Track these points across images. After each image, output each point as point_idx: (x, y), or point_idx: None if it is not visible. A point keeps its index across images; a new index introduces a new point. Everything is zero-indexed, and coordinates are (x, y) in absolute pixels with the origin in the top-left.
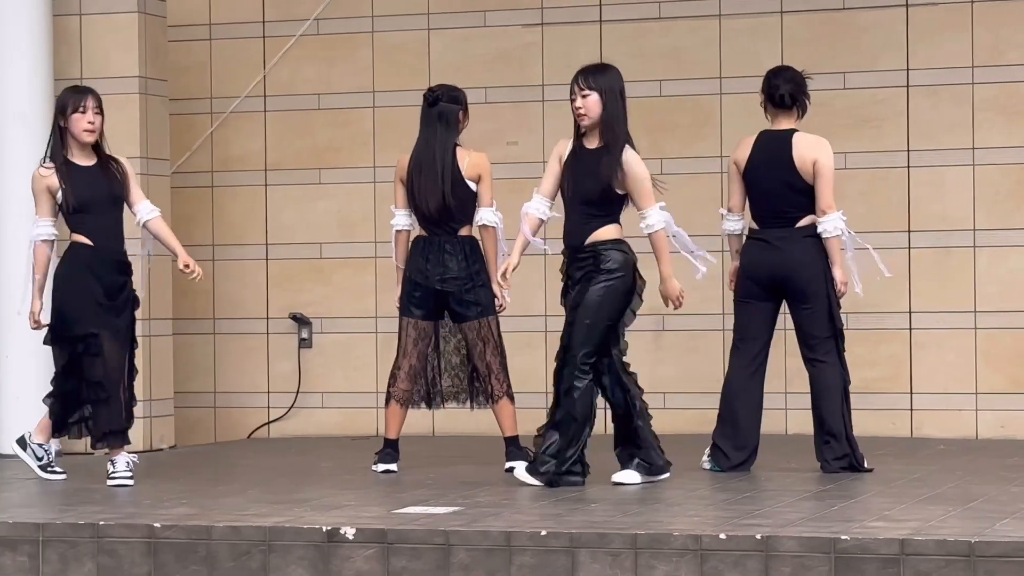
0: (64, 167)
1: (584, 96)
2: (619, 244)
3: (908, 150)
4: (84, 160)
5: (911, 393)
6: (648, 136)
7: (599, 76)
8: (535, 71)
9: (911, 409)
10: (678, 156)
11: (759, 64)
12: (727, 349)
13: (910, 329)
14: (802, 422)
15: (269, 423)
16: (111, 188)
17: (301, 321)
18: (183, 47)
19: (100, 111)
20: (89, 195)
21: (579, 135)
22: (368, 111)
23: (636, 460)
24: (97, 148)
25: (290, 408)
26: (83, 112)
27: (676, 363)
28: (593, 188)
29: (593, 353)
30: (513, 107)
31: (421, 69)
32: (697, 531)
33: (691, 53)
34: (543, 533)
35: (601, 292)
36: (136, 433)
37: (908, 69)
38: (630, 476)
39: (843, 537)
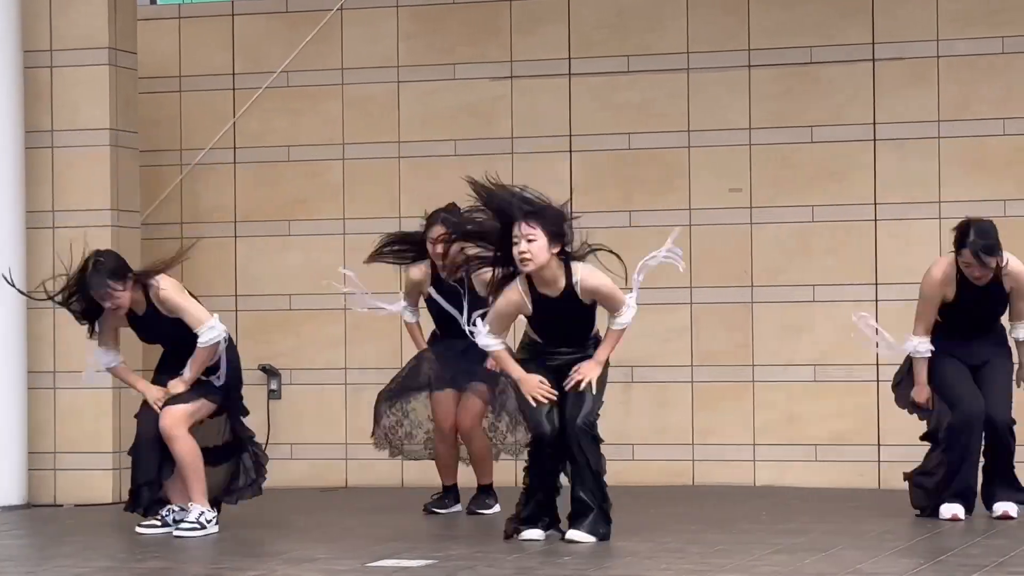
0: None
1: (530, 240)
2: None
3: (875, 203)
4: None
5: (879, 445)
6: (617, 189)
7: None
8: (504, 124)
9: (879, 461)
10: (647, 209)
11: (727, 118)
12: (696, 402)
13: (878, 381)
14: (772, 475)
15: None
16: None
17: (270, 372)
18: (153, 99)
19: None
20: None
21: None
22: (337, 163)
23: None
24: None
25: None
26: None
27: (645, 415)
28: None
29: None
30: (482, 160)
31: (390, 121)
32: None
33: (659, 106)
34: None
35: None
36: (105, 486)
37: (875, 123)
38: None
39: None
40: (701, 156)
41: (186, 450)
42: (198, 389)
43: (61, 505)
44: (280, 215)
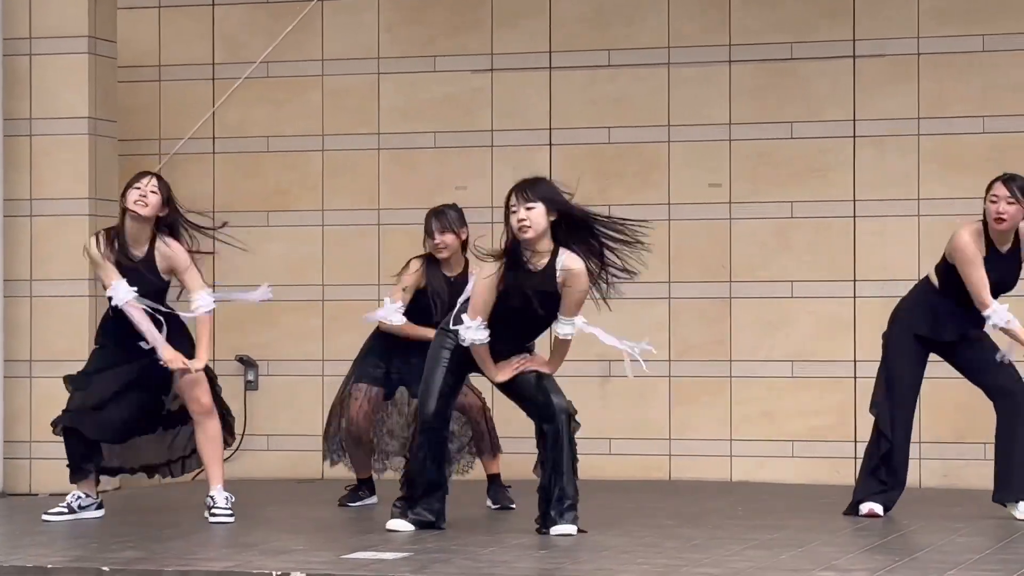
0: None
1: (528, 208)
2: None
3: (854, 200)
4: None
5: (855, 441)
6: (596, 183)
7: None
8: (484, 116)
9: (855, 457)
10: (625, 203)
11: (707, 113)
12: (673, 397)
13: (855, 378)
14: (748, 470)
15: None
16: None
17: (247, 363)
18: (132, 88)
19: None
20: None
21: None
22: (317, 154)
23: None
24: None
25: (235, 450)
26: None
27: (622, 410)
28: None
29: None
30: (462, 152)
31: (370, 113)
32: None
33: (639, 101)
34: None
35: None
36: None
37: (855, 120)
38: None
39: None
40: (681, 151)
41: (218, 430)
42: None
43: (36, 494)
44: (260, 206)
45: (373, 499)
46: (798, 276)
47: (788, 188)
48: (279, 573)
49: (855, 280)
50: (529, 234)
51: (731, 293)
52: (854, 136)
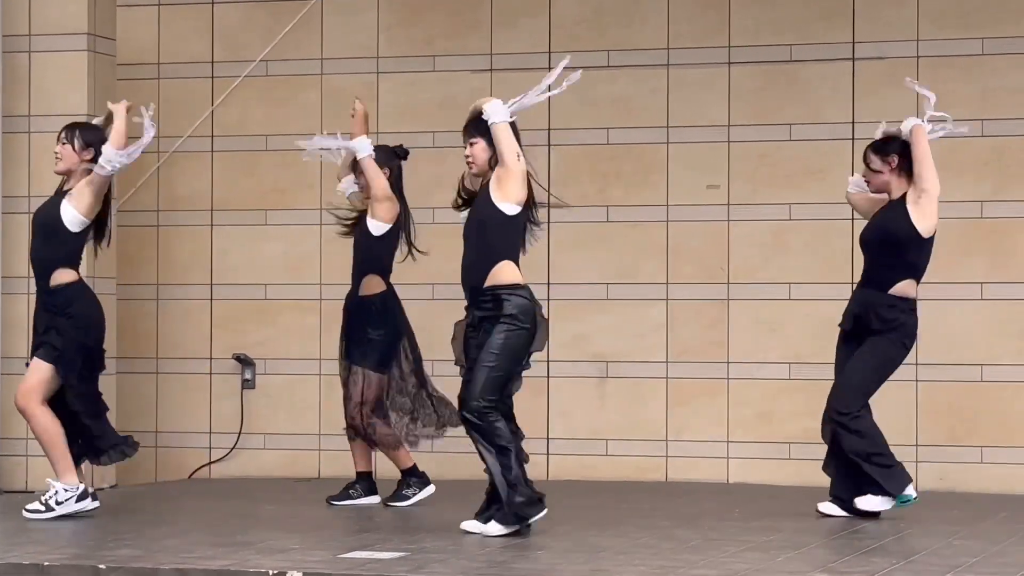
0: None
1: (471, 144)
2: (518, 289)
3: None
4: None
5: None
6: (594, 183)
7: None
8: None
9: None
10: (623, 204)
11: (706, 114)
12: (670, 397)
13: None
14: (745, 472)
15: (211, 463)
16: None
17: (245, 362)
18: (131, 86)
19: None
20: None
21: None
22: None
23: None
24: None
25: (232, 449)
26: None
27: (619, 410)
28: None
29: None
30: (460, 152)
31: (369, 112)
32: None
33: (638, 102)
34: None
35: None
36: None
37: (854, 122)
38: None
39: None
40: (679, 152)
41: (42, 427)
42: (46, 354)
43: (32, 491)
44: (258, 204)
45: (374, 498)
46: (796, 278)
47: (787, 190)
48: (276, 572)
49: (853, 283)
50: (474, 169)
51: (729, 295)
52: (853, 138)
